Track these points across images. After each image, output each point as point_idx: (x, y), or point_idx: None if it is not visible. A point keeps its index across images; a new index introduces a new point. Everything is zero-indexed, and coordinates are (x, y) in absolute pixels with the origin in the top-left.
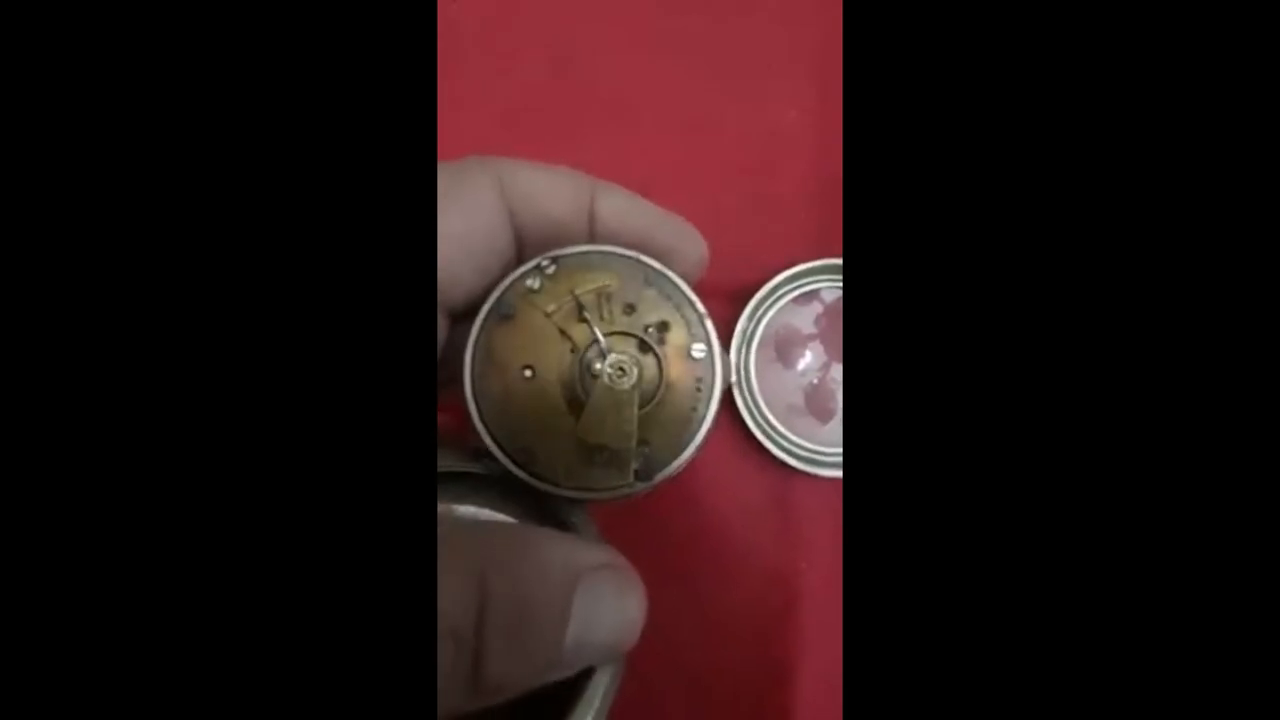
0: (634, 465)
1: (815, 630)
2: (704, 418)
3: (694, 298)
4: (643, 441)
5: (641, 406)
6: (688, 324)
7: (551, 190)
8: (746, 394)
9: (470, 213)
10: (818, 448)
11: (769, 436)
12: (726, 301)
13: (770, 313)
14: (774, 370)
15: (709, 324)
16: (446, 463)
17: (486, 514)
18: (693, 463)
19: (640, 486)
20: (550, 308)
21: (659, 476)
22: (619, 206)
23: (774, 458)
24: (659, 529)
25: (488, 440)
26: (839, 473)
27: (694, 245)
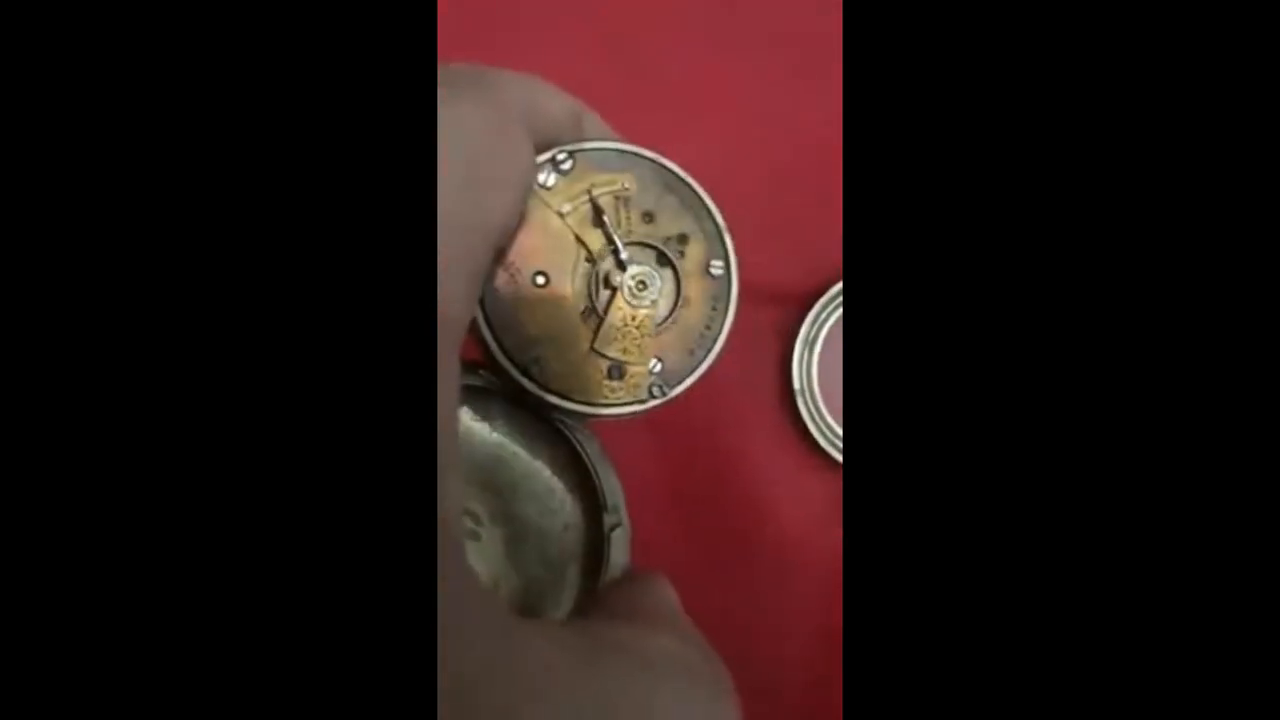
0: (648, 383)
1: None
2: (718, 336)
3: (715, 209)
4: (656, 358)
5: (658, 322)
6: (707, 238)
7: (550, 99)
8: (808, 398)
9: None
10: None
11: (830, 441)
12: (790, 303)
13: (835, 315)
14: (837, 374)
15: (729, 239)
16: None
17: (481, 428)
18: (704, 380)
19: (651, 403)
20: (564, 208)
21: (670, 394)
22: (603, 129)
23: (836, 462)
24: (716, 529)
25: (495, 348)
26: None
27: None
